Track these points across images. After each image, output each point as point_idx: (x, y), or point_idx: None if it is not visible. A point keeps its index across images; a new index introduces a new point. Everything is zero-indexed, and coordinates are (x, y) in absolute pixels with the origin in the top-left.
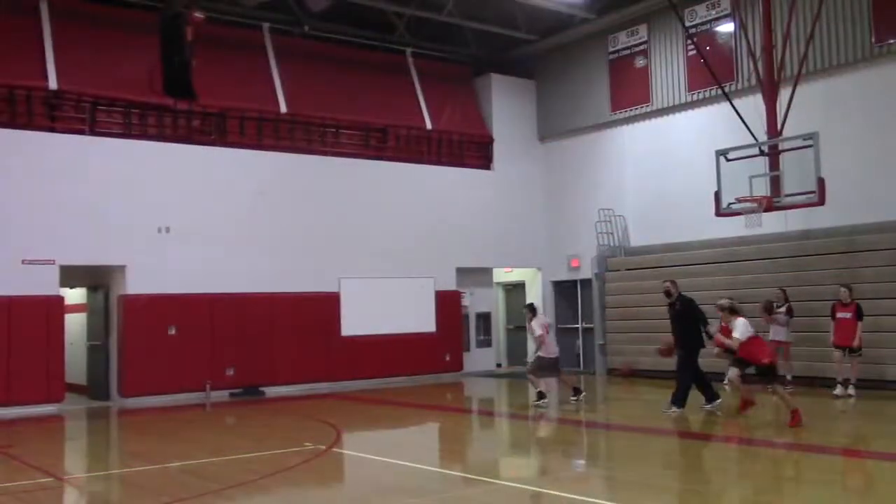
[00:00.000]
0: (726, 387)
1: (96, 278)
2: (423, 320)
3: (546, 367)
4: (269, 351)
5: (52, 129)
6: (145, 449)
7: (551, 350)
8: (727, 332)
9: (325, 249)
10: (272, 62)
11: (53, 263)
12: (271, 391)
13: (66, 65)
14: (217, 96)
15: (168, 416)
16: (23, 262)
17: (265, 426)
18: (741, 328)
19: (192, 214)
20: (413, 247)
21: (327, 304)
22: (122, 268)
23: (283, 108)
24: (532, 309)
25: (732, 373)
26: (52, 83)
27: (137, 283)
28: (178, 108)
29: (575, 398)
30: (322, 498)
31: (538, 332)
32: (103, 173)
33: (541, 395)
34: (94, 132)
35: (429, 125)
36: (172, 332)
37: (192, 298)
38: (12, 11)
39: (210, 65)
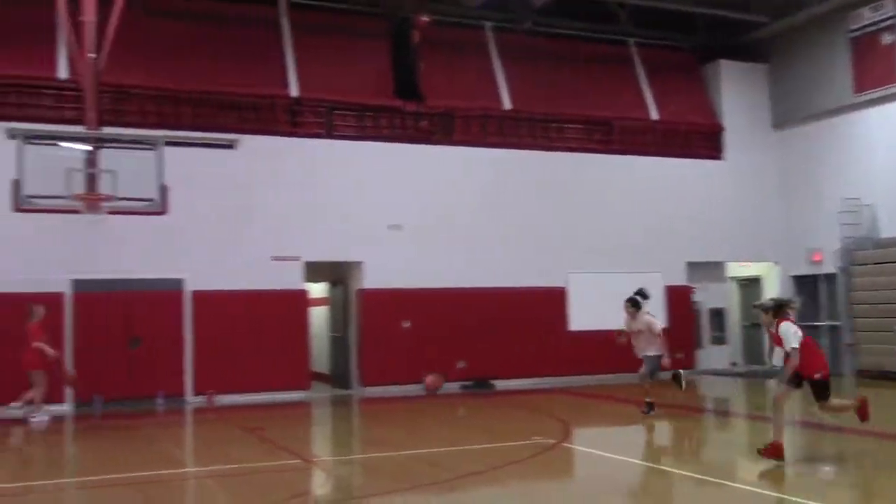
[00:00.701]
0: None
1: (336, 273)
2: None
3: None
4: (498, 345)
5: (293, 134)
6: (382, 436)
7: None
8: (776, 339)
9: (552, 244)
10: (494, 60)
11: (299, 260)
12: (500, 384)
13: (304, 73)
14: (443, 96)
15: (403, 405)
16: (272, 258)
17: (494, 419)
18: (794, 335)
19: (422, 212)
20: (640, 241)
21: (555, 299)
22: (359, 264)
23: (507, 105)
24: (636, 304)
25: (779, 389)
26: (293, 91)
27: (373, 279)
28: (407, 109)
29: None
30: (552, 492)
31: (659, 327)
32: (340, 174)
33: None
34: (331, 135)
35: (654, 116)
36: (406, 325)
37: (423, 293)
38: (256, 27)
39: (435, 66)
